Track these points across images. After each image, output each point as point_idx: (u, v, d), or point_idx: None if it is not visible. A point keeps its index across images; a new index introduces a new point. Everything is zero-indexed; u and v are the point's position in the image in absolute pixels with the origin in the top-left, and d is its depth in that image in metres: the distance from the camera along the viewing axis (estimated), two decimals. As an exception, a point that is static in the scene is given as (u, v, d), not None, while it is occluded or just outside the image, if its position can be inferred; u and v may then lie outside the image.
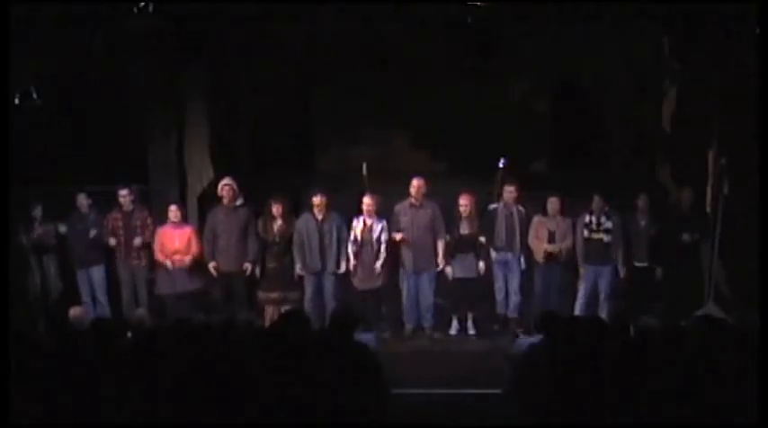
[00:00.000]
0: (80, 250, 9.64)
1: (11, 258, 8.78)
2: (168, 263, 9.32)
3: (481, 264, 9.42)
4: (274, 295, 9.33)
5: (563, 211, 9.47)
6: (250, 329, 6.37)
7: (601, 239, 9.30)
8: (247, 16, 9.22)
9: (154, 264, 9.53)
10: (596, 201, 9.30)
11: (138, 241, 9.47)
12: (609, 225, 9.30)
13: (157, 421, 5.09)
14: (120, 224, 9.56)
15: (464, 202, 9.37)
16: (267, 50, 10.10)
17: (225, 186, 9.44)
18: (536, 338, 6.18)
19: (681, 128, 10.26)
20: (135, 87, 10.14)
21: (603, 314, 8.85)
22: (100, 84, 10.04)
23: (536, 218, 9.51)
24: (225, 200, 9.44)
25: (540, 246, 9.40)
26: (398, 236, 9.33)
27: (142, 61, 9.79)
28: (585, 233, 9.34)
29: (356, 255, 9.32)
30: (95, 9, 8.86)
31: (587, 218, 9.34)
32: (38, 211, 9.57)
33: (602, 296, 9.34)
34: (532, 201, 9.64)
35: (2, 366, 5.21)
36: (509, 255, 9.50)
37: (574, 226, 9.42)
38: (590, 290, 9.37)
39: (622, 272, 9.35)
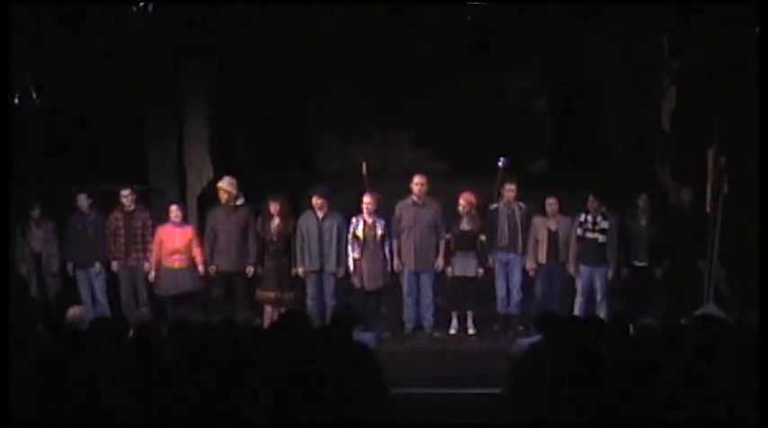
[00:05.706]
0: (80, 250, 9.65)
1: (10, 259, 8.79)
2: (166, 265, 9.32)
3: (480, 270, 9.43)
4: (270, 294, 9.31)
5: (562, 211, 9.46)
6: (250, 329, 6.37)
7: (596, 239, 9.28)
8: (247, 16, 9.21)
9: (155, 265, 9.52)
10: (591, 201, 9.28)
11: (147, 267, 9.49)
12: (605, 225, 9.28)
13: (157, 421, 5.09)
14: (122, 224, 9.56)
15: (464, 203, 9.36)
16: (267, 50, 10.09)
17: (223, 187, 9.44)
18: (536, 338, 6.18)
19: (681, 127, 10.27)
20: (135, 87, 10.13)
21: (603, 313, 8.85)
22: (100, 84, 10.03)
23: (536, 219, 9.51)
24: (224, 201, 9.44)
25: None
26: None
27: (142, 61, 9.78)
28: (580, 231, 9.33)
29: (360, 255, 9.31)
30: (95, 9, 8.85)
31: (583, 217, 9.33)
32: (36, 212, 9.57)
33: (598, 296, 9.33)
34: (532, 201, 9.64)
35: (2, 366, 5.21)
36: (511, 255, 9.50)
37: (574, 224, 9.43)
38: (587, 289, 9.36)
39: (611, 274, 9.33)
